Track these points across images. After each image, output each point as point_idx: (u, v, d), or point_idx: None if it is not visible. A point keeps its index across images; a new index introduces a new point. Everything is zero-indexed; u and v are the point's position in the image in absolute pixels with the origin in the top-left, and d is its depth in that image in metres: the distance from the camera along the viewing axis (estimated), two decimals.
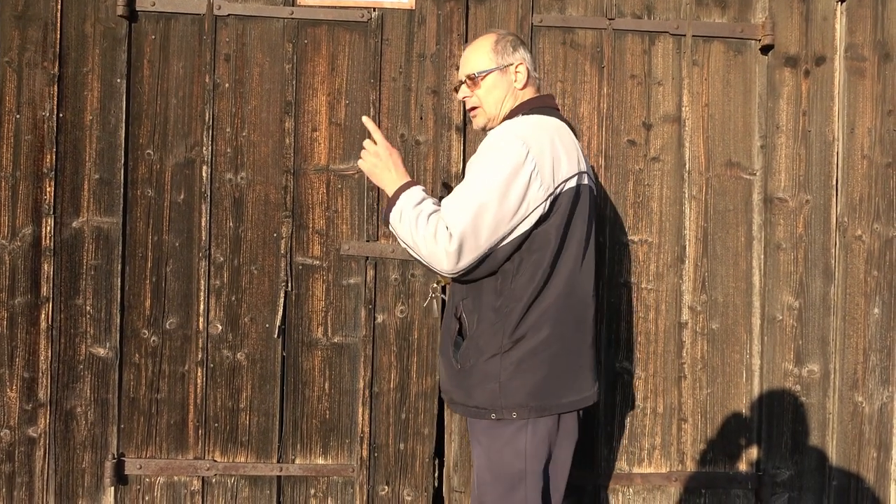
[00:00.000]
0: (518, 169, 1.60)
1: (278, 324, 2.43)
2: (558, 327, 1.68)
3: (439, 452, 2.53)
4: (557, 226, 1.66)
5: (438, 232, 1.59)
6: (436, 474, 2.52)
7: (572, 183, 1.69)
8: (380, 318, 2.46)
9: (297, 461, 2.45)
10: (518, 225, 1.63)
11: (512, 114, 1.81)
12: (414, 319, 2.47)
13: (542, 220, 1.65)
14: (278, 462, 2.44)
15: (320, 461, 2.46)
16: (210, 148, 2.42)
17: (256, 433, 2.44)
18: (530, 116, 1.76)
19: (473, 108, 1.88)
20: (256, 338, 2.44)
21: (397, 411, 2.48)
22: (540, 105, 1.82)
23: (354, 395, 2.47)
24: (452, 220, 1.59)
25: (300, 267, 2.45)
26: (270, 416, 2.45)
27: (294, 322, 2.45)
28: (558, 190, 1.66)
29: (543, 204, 1.64)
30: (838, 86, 2.58)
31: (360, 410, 2.46)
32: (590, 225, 1.77)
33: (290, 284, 2.44)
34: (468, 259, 1.61)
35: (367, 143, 1.78)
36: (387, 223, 1.73)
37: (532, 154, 1.61)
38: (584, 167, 1.75)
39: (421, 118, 2.46)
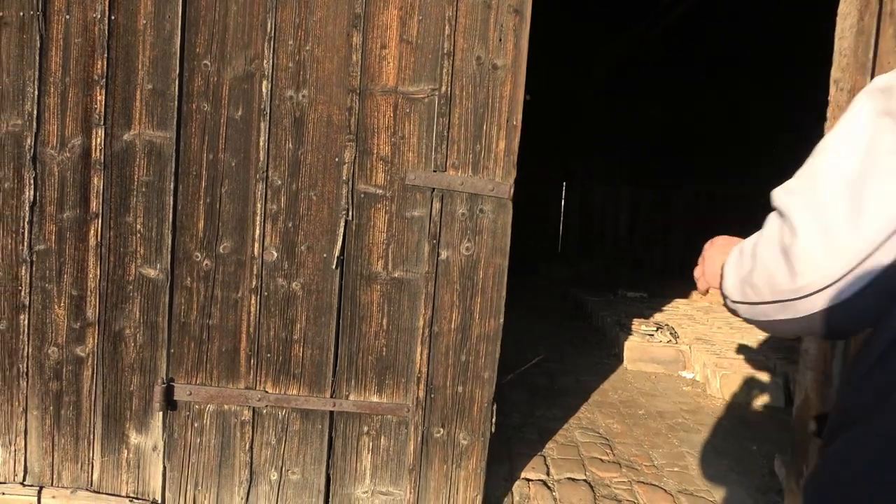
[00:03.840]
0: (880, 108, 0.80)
1: (337, 254, 2.29)
2: None
3: (497, 398, 2.42)
4: None
5: (765, 229, 0.88)
6: (493, 420, 2.42)
7: None
8: (444, 255, 2.31)
9: (351, 397, 2.36)
10: None
11: None
12: (480, 258, 2.32)
13: None
14: (331, 397, 2.35)
15: (375, 399, 2.37)
16: (271, 61, 2.24)
17: (310, 366, 2.35)
18: None
19: None
20: (313, 268, 2.31)
21: (457, 353, 2.36)
22: None
23: (413, 333, 2.35)
24: (781, 199, 0.86)
25: (362, 195, 2.30)
26: (325, 349, 2.34)
27: (353, 253, 2.32)
28: None
29: None
30: None
31: (419, 350, 2.34)
32: None
33: (350, 213, 2.29)
34: (822, 260, 0.79)
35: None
36: (733, 310, 0.98)
37: None
38: None
39: (500, 40, 2.25)
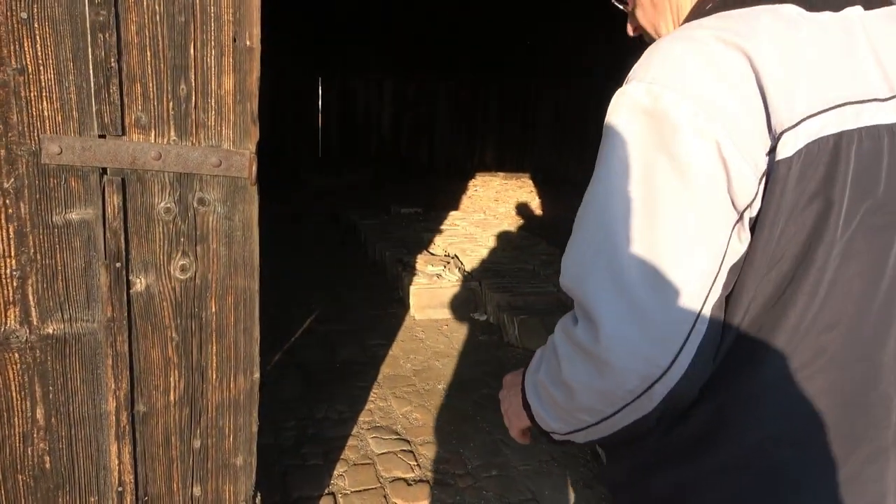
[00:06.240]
0: (663, 145, 0.68)
1: None
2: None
3: (259, 486, 1.56)
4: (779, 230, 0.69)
5: (559, 348, 0.77)
6: None
7: (818, 129, 0.68)
8: (139, 284, 1.31)
9: None
10: (725, 254, 0.69)
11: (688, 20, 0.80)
12: (209, 281, 1.36)
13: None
14: None
15: None
16: None
17: None
18: (710, 18, 0.74)
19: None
20: None
21: (185, 437, 1.42)
22: None
23: (100, 422, 1.35)
24: (575, 286, 0.74)
25: None
26: None
27: None
28: (779, 154, 0.68)
29: (755, 191, 0.69)
30: None
31: (115, 447, 1.36)
32: None
33: None
34: (648, 350, 0.68)
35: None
36: (549, 438, 0.85)
37: (691, 104, 0.67)
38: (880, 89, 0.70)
39: None
